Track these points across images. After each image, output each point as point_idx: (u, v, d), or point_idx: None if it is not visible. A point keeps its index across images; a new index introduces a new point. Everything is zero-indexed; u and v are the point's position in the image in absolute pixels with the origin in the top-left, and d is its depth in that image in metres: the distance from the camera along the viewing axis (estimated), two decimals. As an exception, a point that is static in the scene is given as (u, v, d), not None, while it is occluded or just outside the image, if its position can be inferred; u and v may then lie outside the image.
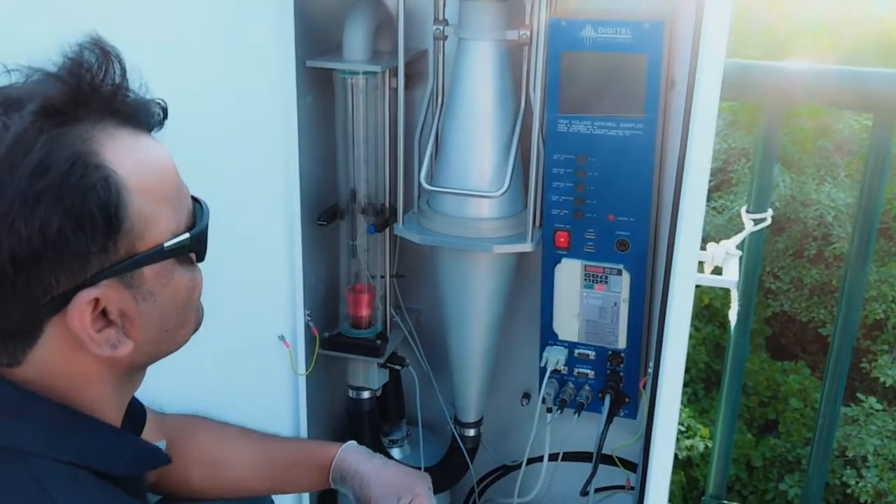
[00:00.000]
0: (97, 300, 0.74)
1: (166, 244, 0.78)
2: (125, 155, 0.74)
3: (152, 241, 0.77)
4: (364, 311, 1.49)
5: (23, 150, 0.68)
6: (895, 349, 7.60)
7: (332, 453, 1.26)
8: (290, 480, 1.30)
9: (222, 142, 1.33)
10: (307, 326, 1.43)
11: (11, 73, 0.75)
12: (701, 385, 7.71)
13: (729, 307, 1.45)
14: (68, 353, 0.76)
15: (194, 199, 0.85)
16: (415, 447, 1.61)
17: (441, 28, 1.33)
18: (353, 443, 1.30)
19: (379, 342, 1.48)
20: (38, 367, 0.75)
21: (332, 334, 1.49)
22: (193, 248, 0.82)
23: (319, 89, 1.39)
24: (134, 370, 0.84)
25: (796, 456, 6.92)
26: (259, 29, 1.26)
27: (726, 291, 1.73)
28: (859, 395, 7.03)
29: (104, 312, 0.76)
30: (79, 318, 0.73)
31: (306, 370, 1.44)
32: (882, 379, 7.12)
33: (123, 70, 0.77)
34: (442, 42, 1.35)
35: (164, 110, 0.83)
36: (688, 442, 6.08)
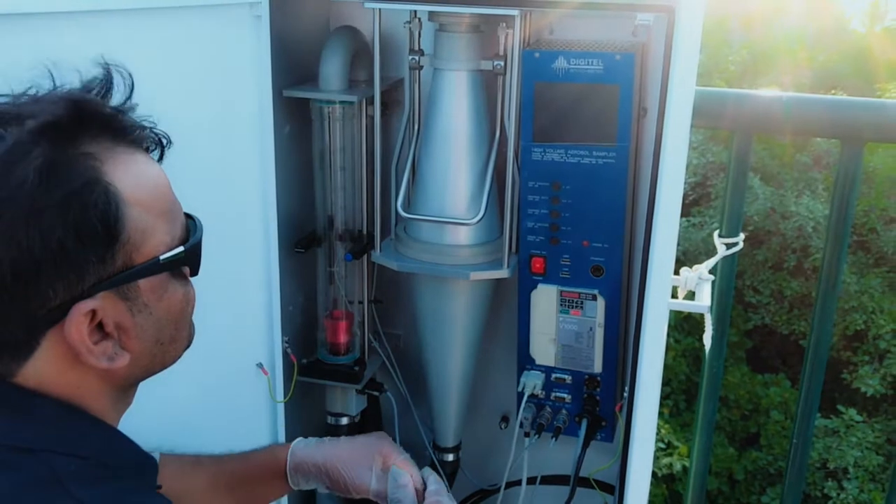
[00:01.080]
0: (94, 311, 0.75)
1: (162, 257, 0.79)
2: (123, 169, 0.76)
3: (148, 253, 0.78)
4: (342, 338, 1.50)
5: (19, 160, 0.69)
6: (876, 360, 7.66)
7: (283, 458, 1.22)
8: (254, 498, 1.26)
9: (201, 170, 1.33)
10: (285, 353, 1.44)
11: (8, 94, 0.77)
12: (682, 397, 7.74)
13: None
14: (64, 366, 0.76)
15: (187, 215, 0.86)
16: (394, 472, 1.62)
17: (416, 58, 1.35)
18: (298, 439, 1.25)
19: (357, 368, 1.49)
20: (33, 380, 0.76)
21: (310, 361, 1.50)
22: (188, 262, 0.83)
23: (297, 118, 1.40)
24: (128, 385, 0.85)
25: (778, 468, 6.94)
26: (237, 60, 1.28)
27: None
28: (839, 408, 7.08)
29: (101, 325, 0.76)
30: (76, 329, 0.74)
31: (285, 397, 1.44)
32: (863, 389, 7.17)
33: (130, 90, 0.80)
34: (418, 71, 1.37)
35: (166, 139, 0.84)
36: (667, 460, 6.10)
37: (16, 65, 0.80)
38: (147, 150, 0.83)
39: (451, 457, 1.55)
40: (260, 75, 1.29)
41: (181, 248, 0.81)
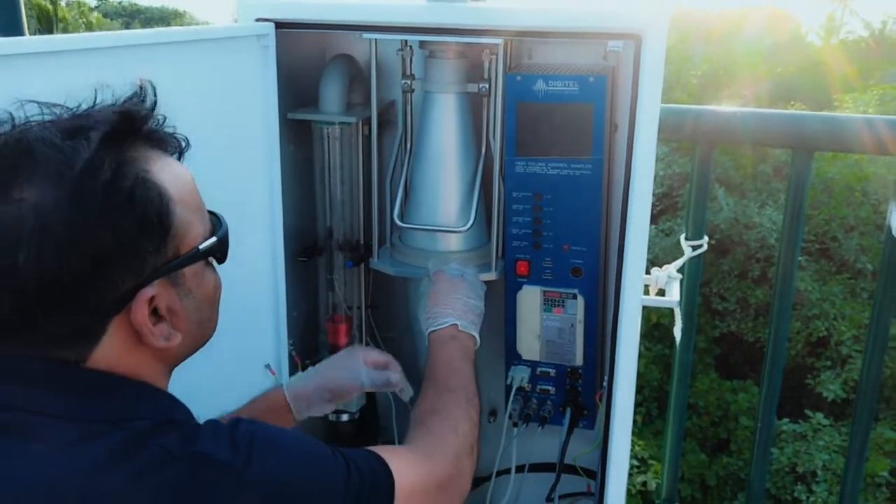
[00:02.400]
0: (153, 297, 0.85)
1: (200, 246, 0.91)
2: (166, 172, 0.87)
3: (190, 244, 0.89)
4: (342, 340, 1.62)
5: (94, 169, 0.79)
6: (838, 365, 7.84)
7: (281, 395, 1.33)
8: None
9: (213, 185, 1.44)
10: (290, 355, 1.55)
11: (53, 107, 0.86)
12: (654, 404, 7.85)
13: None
14: (128, 348, 0.86)
15: (209, 212, 0.97)
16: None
17: (409, 82, 1.48)
18: (289, 381, 1.36)
19: (357, 368, 1.61)
20: (103, 363, 0.85)
21: (313, 362, 1.61)
22: (219, 250, 0.94)
23: (299, 138, 1.53)
24: (176, 363, 0.95)
25: (748, 474, 7.04)
26: (246, 86, 1.39)
27: (673, 311, 1.88)
28: (807, 412, 7.24)
29: (155, 310, 0.87)
30: (140, 313, 0.84)
31: (291, 396, 1.55)
32: (825, 394, 7.35)
33: (154, 101, 0.91)
34: (409, 94, 1.50)
35: (185, 142, 0.96)
36: (641, 478, 6.20)
37: (60, 92, 0.91)
38: (174, 154, 0.94)
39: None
40: (266, 100, 1.41)
41: (215, 238, 0.93)
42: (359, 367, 1.35)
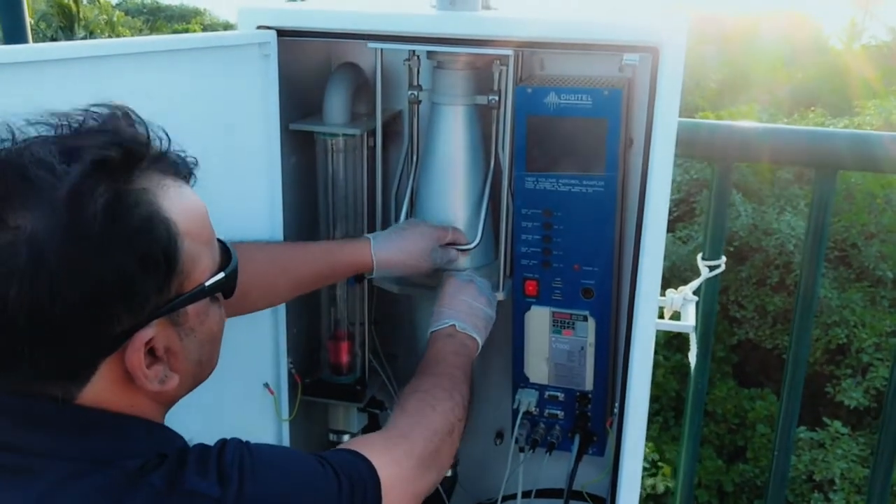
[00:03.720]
0: (151, 339, 0.80)
1: (207, 283, 0.85)
2: (175, 202, 0.81)
3: (196, 280, 0.84)
4: (344, 358, 1.57)
5: (87, 195, 0.74)
6: (858, 373, 7.75)
7: (369, 260, 1.35)
8: (310, 285, 1.39)
9: (213, 198, 1.39)
10: (290, 374, 1.50)
11: (35, 125, 0.80)
12: (671, 413, 7.81)
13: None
14: (120, 389, 0.82)
15: (218, 241, 0.92)
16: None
17: (416, 93, 1.42)
18: (372, 240, 1.36)
19: (359, 387, 1.56)
20: (91, 402, 0.81)
21: (313, 381, 1.57)
22: (227, 286, 0.89)
23: (302, 150, 1.47)
24: (172, 403, 0.91)
25: (765, 481, 6.99)
26: (247, 96, 1.34)
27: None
28: (825, 420, 7.16)
29: (152, 350, 0.82)
30: (136, 356, 0.79)
31: (290, 416, 1.51)
32: (846, 402, 7.27)
33: (163, 131, 0.85)
34: (416, 105, 1.44)
35: (194, 164, 0.90)
36: (650, 481, 6.16)
37: (56, 101, 0.86)
38: (185, 179, 0.88)
39: (448, 472, 1.62)
40: (268, 110, 1.36)
41: (222, 275, 0.87)
42: (433, 250, 1.38)
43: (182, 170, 0.87)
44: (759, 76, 8.19)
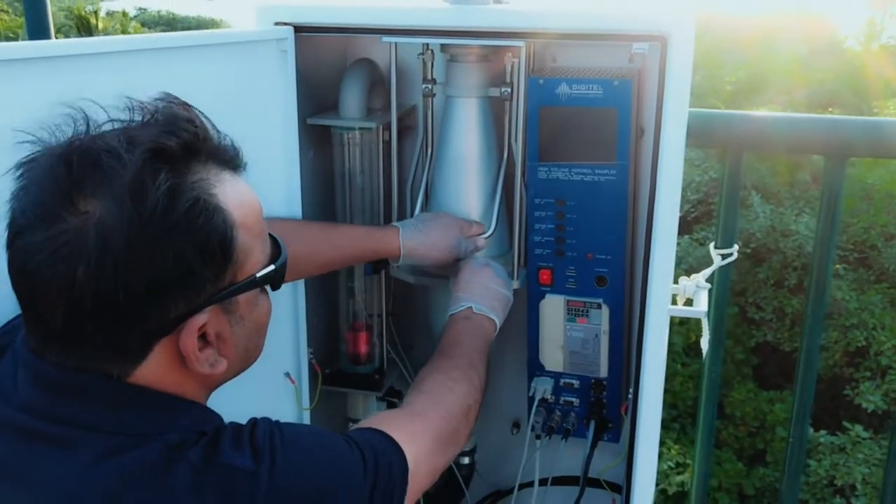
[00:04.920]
0: (204, 324, 0.83)
1: (258, 274, 0.88)
2: (231, 195, 0.84)
3: (248, 271, 0.87)
4: (363, 349, 1.60)
5: (158, 192, 0.77)
6: (878, 376, 7.67)
7: (396, 249, 1.39)
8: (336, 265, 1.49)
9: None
10: (310, 364, 1.53)
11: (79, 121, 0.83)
12: (689, 420, 7.77)
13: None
14: (170, 370, 0.85)
15: (270, 235, 0.95)
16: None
17: (430, 86, 1.45)
18: (400, 230, 1.40)
19: (377, 377, 1.59)
20: (142, 380, 0.84)
21: (333, 371, 1.60)
22: (276, 278, 0.92)
23: (319, 144, 1.51)
24: (214, 387, 0.94)
25: (779, 479, 6.89)
26: (265, 92, 1.37)
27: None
28: (845, 424, 7.10)
29: (203, 335, 0.85)
30: (189, 340, 0.83)
31: (310, 405, 1.54)
32: (864, 405, 7.19)
33: (212, 124, 0.88)
34: (430, 99, 1.47)
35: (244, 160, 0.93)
36: (678, 478, 6.14)
37: (82, 95, 0.88)
38: (239, 172, 0.91)
39: (466, 460, 1.64)
40: (286, 105, 1.39)
41: (272, 267, 0.90)
42: (459, 241, 1.42)
43: (237, 163, 0.90)
44: (775, 77, 8.16)
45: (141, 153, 0.78)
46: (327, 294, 1.60)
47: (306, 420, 1.53)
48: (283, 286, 1.46)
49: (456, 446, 1.14)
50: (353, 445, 0.93)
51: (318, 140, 1.51)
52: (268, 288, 0.94)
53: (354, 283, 1.58)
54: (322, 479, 0.88)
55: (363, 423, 1.02)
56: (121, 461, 0.80)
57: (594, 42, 1.30)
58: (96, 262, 0.76)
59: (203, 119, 0.87)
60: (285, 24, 1.36)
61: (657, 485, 5.61)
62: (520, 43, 1.34)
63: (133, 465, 0.80)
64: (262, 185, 1.42)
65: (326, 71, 1.53)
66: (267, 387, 1.52)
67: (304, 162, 1.44)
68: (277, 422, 0.91)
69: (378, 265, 1.54)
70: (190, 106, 0.87)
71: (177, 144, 0.81)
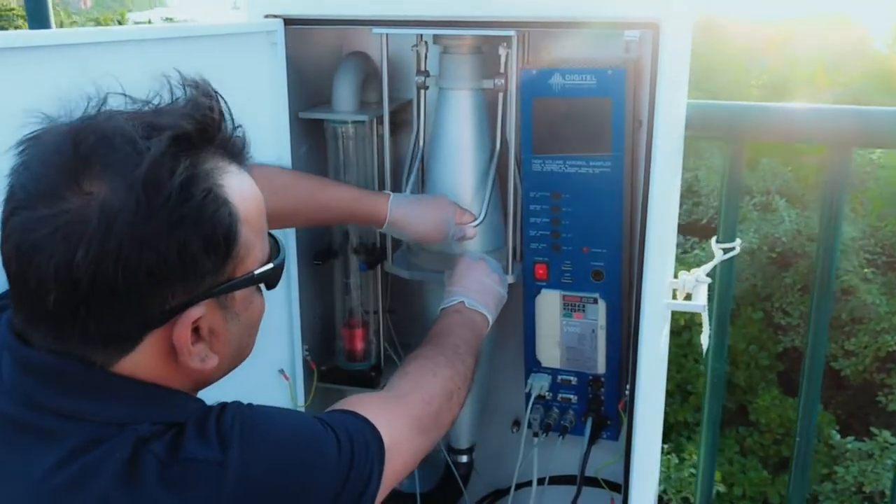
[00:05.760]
0: (199, 317, 0.82)
1: (256, 272, 0.87)
2: (237, 189, 0.83)
3: (247, 267, 0.85)
4: (359, 345, 1.58)
5: (168, 178, 0.76)
6: (910, 381, 7.50)
7: (383, 215, 1.37)
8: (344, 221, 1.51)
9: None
10: (305, 361, 1.52)
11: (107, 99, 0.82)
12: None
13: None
14: (157, 363, 0.83)
15: (270, 235, 0.93)
16: (411, 475, 1.69)
17: (423, 78, 1.44)
18: (392, 199, 1.38)
19: (374, 374, 1.57)
20: (128, 370, 0.82)
21: (329, 368, 1.58)
22: (273, 277, 0.90)
23: (312, 138, 1.50)
24: (203, 385, 0.92)
25: (812, 493, 6.86)
26: (255, 85, 1.36)
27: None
28: (873, 430, 6.99)
29: (196, 329, 0.83)
30: (184, 332, 0.81)
31: (305, 402, 1.52)
32: (892, 409, 7.03)
33: (230, 113, 0.86)
34: (423, 91, 1.46)
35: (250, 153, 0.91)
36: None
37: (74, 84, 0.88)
38: (243, 165, 0.88)
39: (464, 458, 1.62)
40: (276, 99, 1.38)
41: (271, 265, 0.89)
42: (450, 225, 1.41)
43: (245, 157, 0.88)
44: (800, 80, 8.06)
45: (157, 139, 0.77)
46: (323, 290, 1.59)
47: (300, 417, 1.52)
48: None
49: (437, 430, 1.11)
50: (328, 427, 0.90)
51: (312, 134, 1.50)
52: (262, 287, 0.92)
53: (350, 279, 1.57)
54: (294, 463, 0.85)
55: (339, 405, 1.00)
56: (93, 457, 0.78)
57: (585, 30, 1.27)
58: (98, 245, 0.74)
59: (224, 108, 0.85)
60: (275, 16, 1.35)
61: (679, 491, 5.51)
62: (510, 32, 1.32)
63: (101, 457, 0.78)
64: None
65: (322, 64, 1.52)
66: (260, 383, 1.50)
67: (298, 156, 1.43)
68: (249, 405, 0.89)
69: (372, 261, 1.52)
70: (215, 93, 0.85)
71: (196, 131, 0.80)
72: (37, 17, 1.94)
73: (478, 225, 1.43)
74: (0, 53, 0.97)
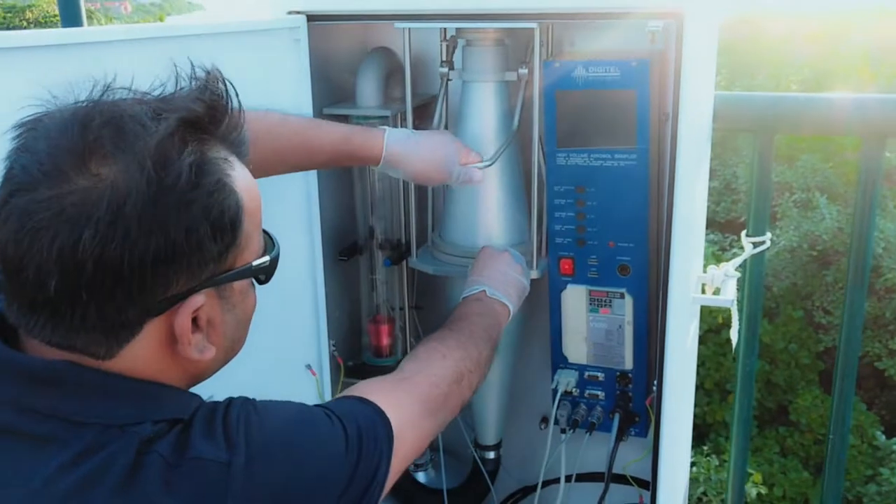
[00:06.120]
0: (200, 306, 0.81)
1: (254, 263, 0.86)
2: (241, 179, 0.83)
3: (246, 259, 0.85)
4: (385, 341, 1.58)
5: (179, 162, 0.75)
6: (949, 378, 7.32)
7: (379, 151, 1.31)
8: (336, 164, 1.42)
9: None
10: (332, 356, 1.52)
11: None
12: (754, 422, 7.54)
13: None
14: (157, 353, 0.82)
15: (263, 231, 0.92)
16: (438, 471, 1.69)
17: (447, 70, 1.43)
18: (388, 134, 1.31)
19: (400, 369, 1.57)
20: (127, 363, 0.81)
21: (355, 363, 1.58)
22: (268, 271, 0.90)
23: (336, 134, 1.49)
24: (198, 379, 0.91)
25: (856, 495, 6.72)
26: (279, 81, 1.37)
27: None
28: (914, 430, 6.79)
29: (195, 319, 0.82)
30: (185, 319, 0.80)
31: (332, 397, 1.52)
32: (941, 409, 6.85)
33: (239, 104, 0.85)
34: (447, 83, 1.45)
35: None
36: (752, 490, 5.96)
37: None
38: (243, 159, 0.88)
39: (492, 454, 1.61)
40: (300, 95, 1.39)
41: (267, 258, 0.88)
42: (454, 165, 1.34)
43: (245, 151, 0.88)
44: (842, 73, 7.91)
45: (165, 120, 0.76)
46: (350, 285, 1.59)
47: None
48: (303, 279, 1.48)
49: (446, 413, 1.10)
50: (335, 418, 0.89)
51: (336, 131, 1.49)
52: (254, 283, 0.91)
53: (376, 274, 1.57)
54: (301, 460, 0.85)
55: (347, 392, 1.00)
56: (89, 464, 0.77)
57: (607, 21, 1.26)
58: (106, 228, 0.72)
59: (233, 95, 0.84)
60: (298, 12, 1.36)
61: (719, 493, 5.42)
62: (532, 24, 1.31)
63: (105, 462, 0.77)
64: (279, 177, 1.44)
65: (345, 60, 1.52)
66: (288, 379, 1.51)
67: (322, 152, 1.43)
68: (253, 401, 0.88)
69: (397, 257, 1.52)
70: (226, 82, 0.84)
71: (205, 114, 0.79)
72: (70, 21, 1.98)
73: (486, 166, 1.37)
74: (27, 52, 0.98)
